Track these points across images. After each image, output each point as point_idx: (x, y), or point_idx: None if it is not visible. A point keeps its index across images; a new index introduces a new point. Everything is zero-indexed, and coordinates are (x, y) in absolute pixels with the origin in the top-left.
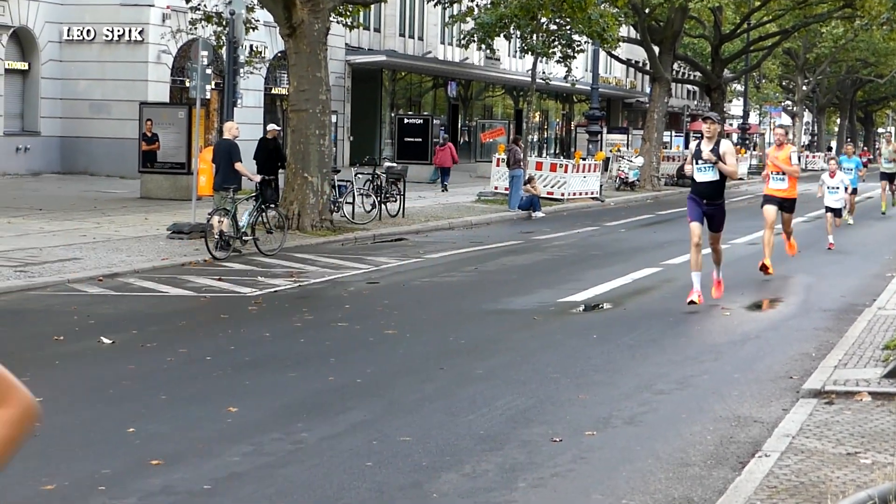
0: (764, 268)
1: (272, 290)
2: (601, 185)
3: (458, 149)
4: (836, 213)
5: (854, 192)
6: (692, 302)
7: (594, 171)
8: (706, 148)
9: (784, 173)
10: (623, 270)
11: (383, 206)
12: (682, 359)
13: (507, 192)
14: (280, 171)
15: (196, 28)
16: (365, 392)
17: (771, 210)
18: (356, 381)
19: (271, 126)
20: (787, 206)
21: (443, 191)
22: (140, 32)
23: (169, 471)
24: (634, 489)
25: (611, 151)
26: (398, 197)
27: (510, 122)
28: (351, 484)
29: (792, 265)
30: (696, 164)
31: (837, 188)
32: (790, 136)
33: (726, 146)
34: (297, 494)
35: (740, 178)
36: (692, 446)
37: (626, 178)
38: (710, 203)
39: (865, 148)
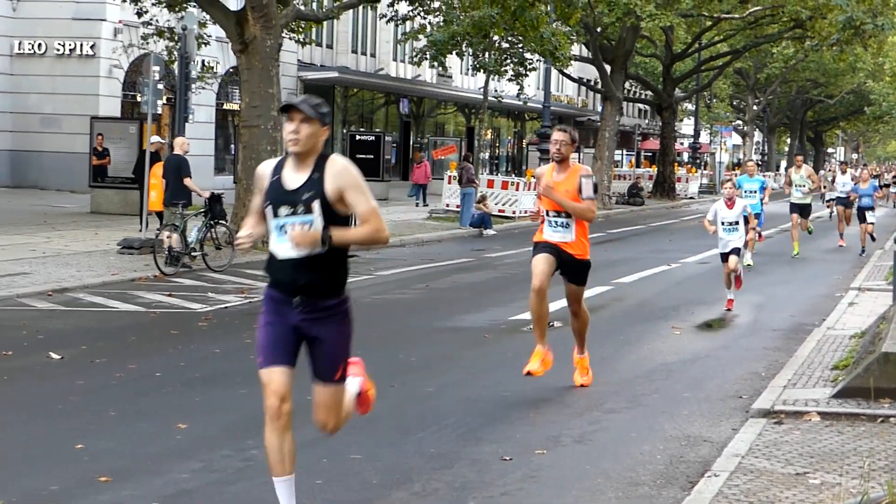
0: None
1: (222, 305)
2: None
3: (409, 166)
4: (735, 253)
5: (756, 218)
6: None
7: None
8: (294, 179)
9: (569, 215)
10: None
11: None
12: (632, 377)
13: (459, 209)
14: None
15: (148, 43)
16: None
17: (542, 261)
18: (307, 398)
19: (154, 138)
20: (572, 270)
21: (424, 206)
22: (92, 47)
23: (117, 487)
24: None
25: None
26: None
27: (462, 139)
28: (301, 502)
29: (744, 286)
30: (275, 215)
31: (736, 224)
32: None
33: (340, 176)
34: None
35: (690, 198)
36: (642, 465)
37: None
38: (308, 308)
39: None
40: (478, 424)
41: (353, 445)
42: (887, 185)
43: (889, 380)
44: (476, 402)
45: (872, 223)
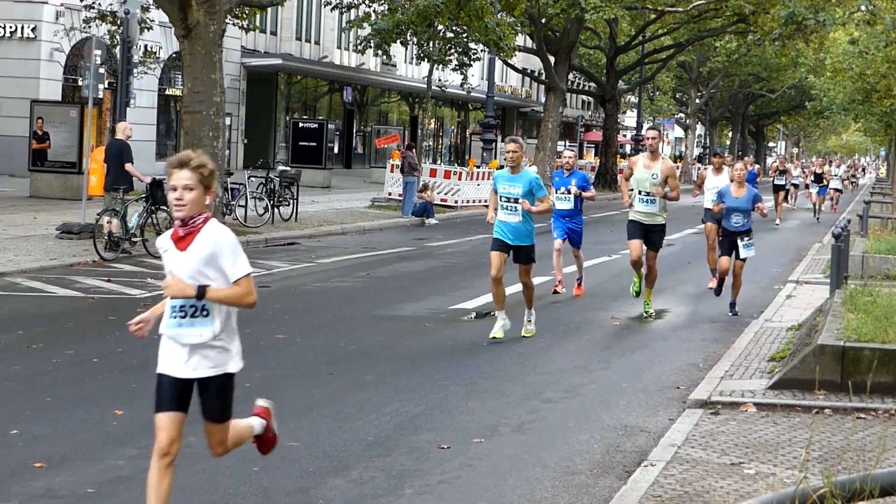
0: None
1: (161, 292)
2: None
3: (352, 155)
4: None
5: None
6: None
7: (488, 179)
8: None
9: None
10: (514, 278)
11: (276, 209)
12: (571, 367)
13: (401, 198)
14: None
15: (90, 26)
16: (253, 397)
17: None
18: (245, 385)
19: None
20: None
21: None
22: (33, 29)
23: (52, 474)
24: (521, 497)
25: (505, 160)
26: (291, 201)
27: (405, 128)
28: (237, 489)
29: (680, 276)
30: None
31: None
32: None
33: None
34: (182, 499)
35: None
36: (579, 455)
37: None
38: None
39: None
40: (416, 413)
41: (290, 433)
42: (805, 185)
43: (824, 371)
44: (415, 390)
45: (743, 259)
